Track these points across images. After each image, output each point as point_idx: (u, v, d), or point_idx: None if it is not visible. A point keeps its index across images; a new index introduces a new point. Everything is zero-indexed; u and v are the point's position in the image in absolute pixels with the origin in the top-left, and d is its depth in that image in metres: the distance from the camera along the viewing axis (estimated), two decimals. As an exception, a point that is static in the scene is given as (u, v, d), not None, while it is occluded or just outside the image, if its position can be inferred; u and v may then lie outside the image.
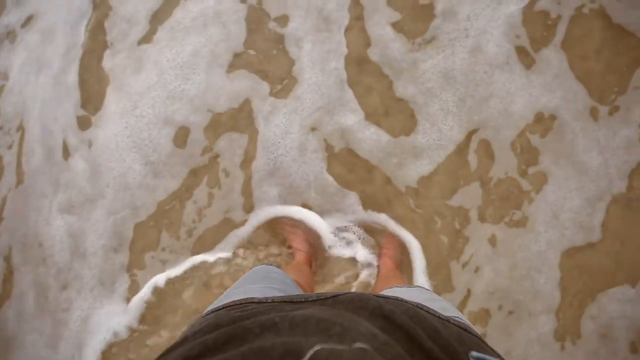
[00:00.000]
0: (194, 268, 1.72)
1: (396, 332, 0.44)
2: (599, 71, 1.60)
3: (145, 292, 1.73)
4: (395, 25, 1.69)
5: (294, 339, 0.38)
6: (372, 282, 1.59)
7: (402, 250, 1.53)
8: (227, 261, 1.70)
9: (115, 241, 1.79)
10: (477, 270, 1.60)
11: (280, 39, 1.76)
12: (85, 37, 1.94)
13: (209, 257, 1.72)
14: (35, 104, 1.98)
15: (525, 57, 1.63)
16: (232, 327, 0.43)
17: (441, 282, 1.60)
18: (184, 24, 1.84)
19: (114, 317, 1.75)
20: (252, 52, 1.78)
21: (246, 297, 0.55)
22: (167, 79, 1.82)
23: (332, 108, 1.70)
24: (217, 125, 1.77)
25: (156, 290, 1.73)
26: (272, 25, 1.78)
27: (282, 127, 1.71)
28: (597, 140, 1.58)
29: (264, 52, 1.77)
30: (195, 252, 1.74)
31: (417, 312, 0.49)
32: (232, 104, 1.77)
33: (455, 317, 0.55)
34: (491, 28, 1.64)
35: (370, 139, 1.67)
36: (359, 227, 1.63)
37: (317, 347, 0.35)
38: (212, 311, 0.53)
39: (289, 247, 1.55)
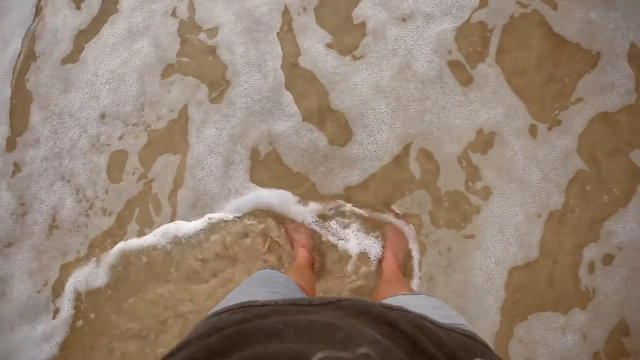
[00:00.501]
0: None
1: (400, 339, 0.44)
2: (539, 84, 1.57)
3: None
4: (327, 41, 1.65)
5: (299, 346, 0.38)
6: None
7: (404, 243, 1.50)
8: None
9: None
10: (431, 279, 1.58)
11: (213, 46, 1.70)
12: (19, 52, 1.82)
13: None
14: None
15: (461, 73, 1.60)
16: (236, 330, 0.43)
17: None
18: (112, 39, 1.75)
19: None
20: (185, 59, 1.71)
21: (249, 299, 0.55)
22: (99, 95, 1.73)
23: (266, 113, 1.65)
24: (153, 144, 1.70)
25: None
26: (204, 33, 1.72)
27: (212, 138, 1.65)
28: (536, 156, 1.56)
29: (198, 59, 1.70)
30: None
31: (421, 322, 0.49)
32: (171, 115, 1.70)
33: (460, 324, 0.54)
34: (422, 46, 1.60)
35: (300, 146, 1.62)
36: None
37: (320, 355, 0.35)
38: (215, 314, 0.53)
39: (291, 247, 1.53)
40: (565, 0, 1.58)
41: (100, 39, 1.76)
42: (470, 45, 1.59)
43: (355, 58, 1.63)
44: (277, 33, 1.68)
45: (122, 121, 1.72)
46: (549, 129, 1.55)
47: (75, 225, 1.68)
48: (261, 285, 0.76)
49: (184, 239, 1.61)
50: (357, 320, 0.46)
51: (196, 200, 1.64)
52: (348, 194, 1.59)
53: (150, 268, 1.62)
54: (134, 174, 1.69)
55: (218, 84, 1.68)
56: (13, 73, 1.79)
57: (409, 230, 1.53)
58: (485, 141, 1.58)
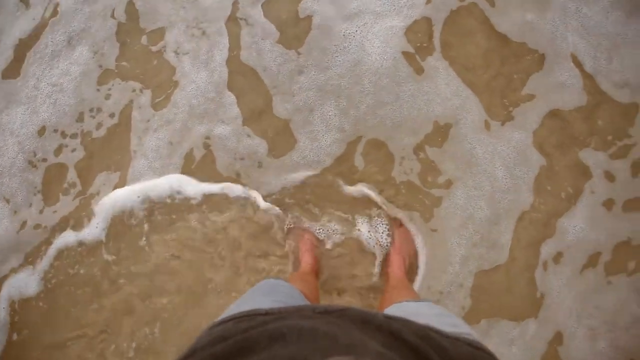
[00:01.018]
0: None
1: (403, 349, 0.44)
2: (488, 80, 1.54)
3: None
4: (274, 39, 1.61)
5: (302, 351, 0.39)
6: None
7: (412, 248, 1.46)
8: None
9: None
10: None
11: (158, 49, 1.65)
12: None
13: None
14: None
15: (415, 64, 1.55)
16: (241, 338, 0.43)
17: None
18: (51, 48, 1.68)
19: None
20: (127, 64, 1.65)
21: (253, 308, 0.55)
22: (37, 108, 1.65)
23: (209, 115, 1.59)
24: (91, 159, 1.59)
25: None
26: (147, 35, 1.67)
27: (152, 145, 1.57)
28: (496, 150, 1.50)
29: (141, 63, 1.64)
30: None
31: (426, 332, 0.49)
32: (112, 121, 1.62)
33: (465, 334, 0.54)
34: (372, 40, 1.56)
35: (239, 151, 1.56)
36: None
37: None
38: (220, 323, 0.52)
39: (295, 252, 1.50)
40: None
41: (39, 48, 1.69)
42: (418, 40, 1.56)
43: (299, 55, 1.58)
44: (224, 26, 1.63)
45: (60, 134, 1.62)
46: (503, 124, 1.51)
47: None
48: (265, 294, 0.77)
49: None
50: (361, 329, 0.46)
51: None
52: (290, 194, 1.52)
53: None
54: (70, 190, 1.57)
55: (164, 87, 1.62)
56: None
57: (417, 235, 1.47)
58: (442, 133, 1.52)
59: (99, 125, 1.63)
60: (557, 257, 1.46)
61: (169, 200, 1.56)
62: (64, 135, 1.63)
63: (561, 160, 1.49)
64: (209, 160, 1.57)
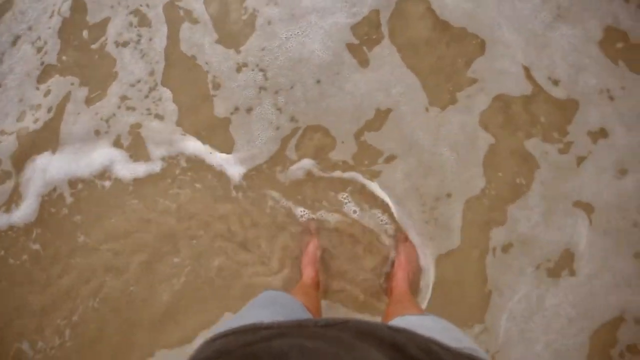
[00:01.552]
0: None
1: None
2: (432, 65, 1.49)
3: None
4: (213, 39, 1.60)
5: None
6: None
7: (417, 263, 1.40)
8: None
9: None
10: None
11: (101, 43, 1.66)
12: None
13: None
14: None
15: (359, 56, 1.52)
16: (242, 353, 0.43)
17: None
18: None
19: None
20: (67, 59, 1.66)
21: (254, 321, 0.54)
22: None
23: (141, 108, 1.57)
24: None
25: None
26: (89, 30, 1.68)
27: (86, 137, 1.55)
28: (439, 133, 1.44)
29: (83, 59, 1.65)
30: None
31: (429, 346, 0.49)
32: (47, 116, 1.62)
33: (469, 348, 0.53)
34: (317, 35, 1.55)
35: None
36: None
37: None
38: (222, 336, 0.51)
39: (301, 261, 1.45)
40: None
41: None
42: (365, 32, 1.54)
43: (239, 52, 1.57)
44: (163, 15, 1.64)
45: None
46: (445, 107, 1.45)
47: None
48: (265, 305, 0.76)
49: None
50: (364, 342, 0.46)
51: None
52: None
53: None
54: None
55: (102, 80, 1.62)
56: None
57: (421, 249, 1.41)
58: (382, 119, 1.47)
59: (36, 120, 1.64)
60: (507, 247, 1.38)
61: (97, 181, 1.55)
62: (2, 133, 1.64)
63: (508, 142, 1.43)
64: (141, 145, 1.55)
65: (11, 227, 1.55)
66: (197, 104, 1.56)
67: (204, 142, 1.52)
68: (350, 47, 1.53)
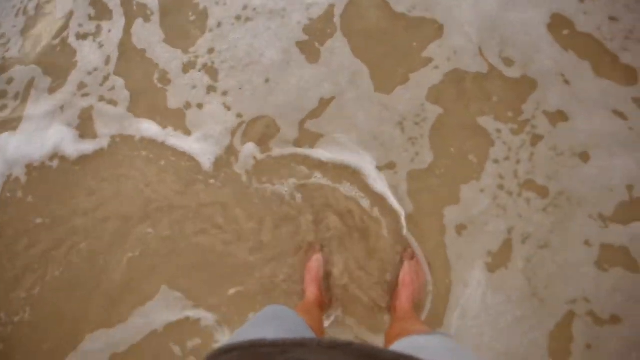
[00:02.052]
0: None
1: None
2: (387, 51, 1.51)
3: None
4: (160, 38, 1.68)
5: None
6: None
7: (423, 283, 1.35)
8: None
9: None
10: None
11: (61, 36, 1.76)
12: None
13: None
14: None
15: (309, 51, 1.55)
16: None
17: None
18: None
19: None
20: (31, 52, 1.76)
21: (258, 337, 0.54)
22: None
23: (95, 94, 1.64)
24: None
25: None
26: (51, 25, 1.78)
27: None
28: (383, 111, 1.44)
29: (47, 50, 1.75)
30: None
31: None
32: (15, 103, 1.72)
33: None
34: (268, 35, 1.59)
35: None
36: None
37: None
38: (224, 352, 0.52)
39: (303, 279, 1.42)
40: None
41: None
42: (317, 28, 1.57)
43: (187, 52, 1.63)
44: (123, 15, 1.72)
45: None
46: (393, 91, 1.45)
47: None
48: (268, 321, 0.77)
49: None
50: None
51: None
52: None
53: None
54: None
55: (62, 69, 1.70)
56: None
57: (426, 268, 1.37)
58: (325, 106, 1.48)
59: (3, 107, 1.72)
60: (460, 229, 1.33)
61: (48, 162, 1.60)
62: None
63: (459, 124, 1.40)
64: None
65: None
66: (149, 95, 1.61)
67: (159, 125, 1.56)
68: (299, 44, 1.56)
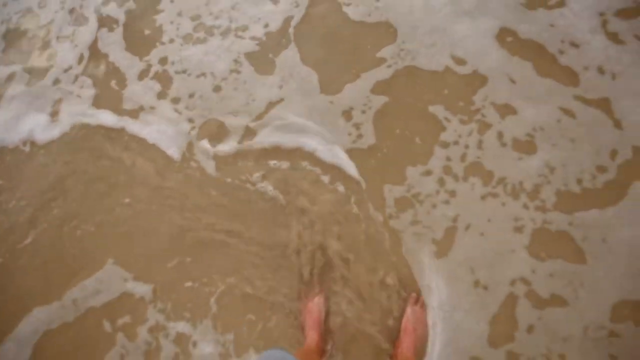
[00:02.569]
0: None
1: None
2: (337, 56, 1.58)
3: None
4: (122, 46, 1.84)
5: None
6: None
7: (426, 332, 1.31)
8: None
9: None
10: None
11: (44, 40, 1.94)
12: None
13: None
14: None
15: (263, 64, 1.64)
16: None
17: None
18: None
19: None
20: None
21: None
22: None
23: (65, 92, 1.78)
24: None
25: None
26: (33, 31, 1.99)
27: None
28: (329, 106, 1.49)
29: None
30: None
31: None
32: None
33: None
34: (219, 49, 1.71)
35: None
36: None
37: None
38: None
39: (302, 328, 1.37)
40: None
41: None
42: (273, 39, 1.67)
43: (142, 61, 1.77)
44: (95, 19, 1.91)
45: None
46: (341, 91, 1.51)
47: None
48: None
49: None
50: None
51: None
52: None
53: None
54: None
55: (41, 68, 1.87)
56: None
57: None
58: (274, 106, 1.55)
59: None
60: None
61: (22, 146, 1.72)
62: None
63: (410, 112, 1.43)
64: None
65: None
66: (110, 94, 1.73)
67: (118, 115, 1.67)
68: (249, 55, 1.66)
